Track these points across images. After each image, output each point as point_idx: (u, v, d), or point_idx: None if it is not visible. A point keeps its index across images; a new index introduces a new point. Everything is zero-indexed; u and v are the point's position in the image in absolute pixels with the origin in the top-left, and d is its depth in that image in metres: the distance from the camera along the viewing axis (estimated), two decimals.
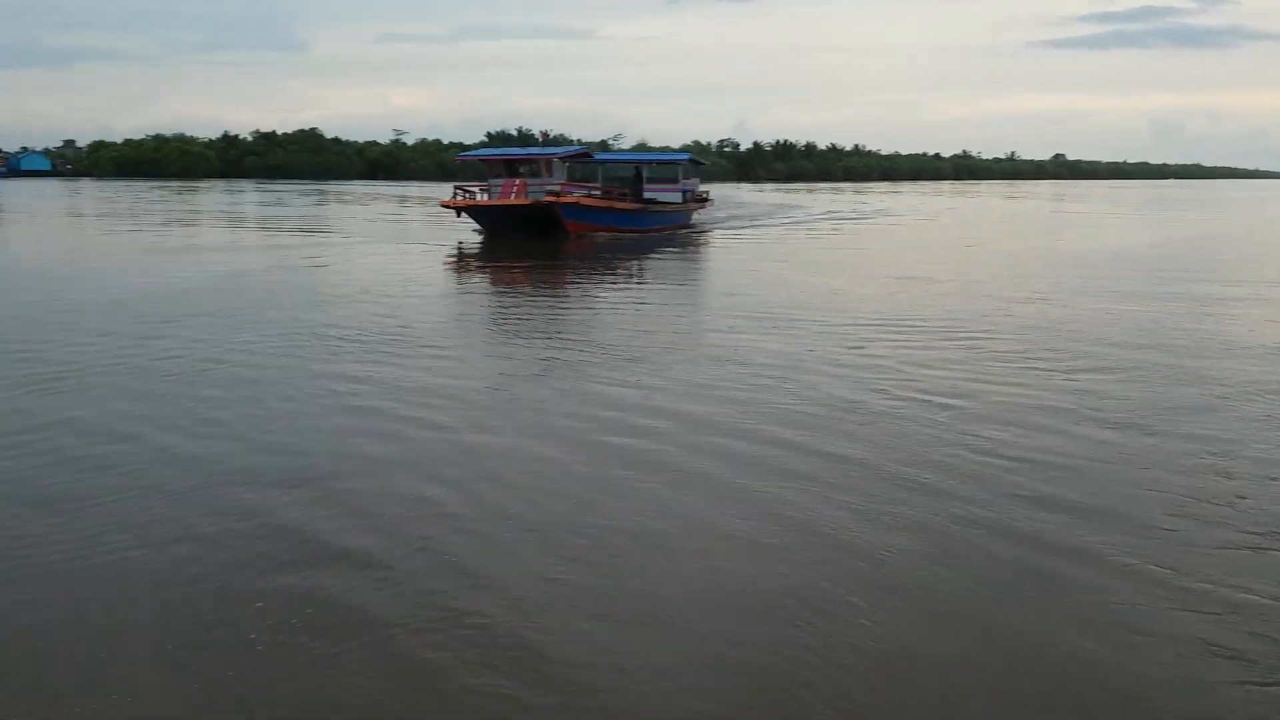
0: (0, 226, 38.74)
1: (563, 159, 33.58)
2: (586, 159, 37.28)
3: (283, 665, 4.55)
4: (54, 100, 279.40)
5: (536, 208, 30.04)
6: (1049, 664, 4.63)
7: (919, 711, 4.28)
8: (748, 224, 42.48)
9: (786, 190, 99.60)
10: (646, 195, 35.67)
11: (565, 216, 30.15)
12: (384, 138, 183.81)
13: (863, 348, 12.42)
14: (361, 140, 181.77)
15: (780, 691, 4.34)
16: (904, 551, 5.86)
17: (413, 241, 31.45)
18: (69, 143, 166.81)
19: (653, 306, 17.23)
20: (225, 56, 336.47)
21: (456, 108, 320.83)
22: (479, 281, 22.13)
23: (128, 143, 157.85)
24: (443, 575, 5.54)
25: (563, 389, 10.21)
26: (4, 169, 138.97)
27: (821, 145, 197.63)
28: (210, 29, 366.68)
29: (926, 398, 9.53)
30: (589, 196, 31.70)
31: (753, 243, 33.52)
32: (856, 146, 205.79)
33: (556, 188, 30.75)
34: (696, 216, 41.27)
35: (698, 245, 31.61)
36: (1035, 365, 11.17)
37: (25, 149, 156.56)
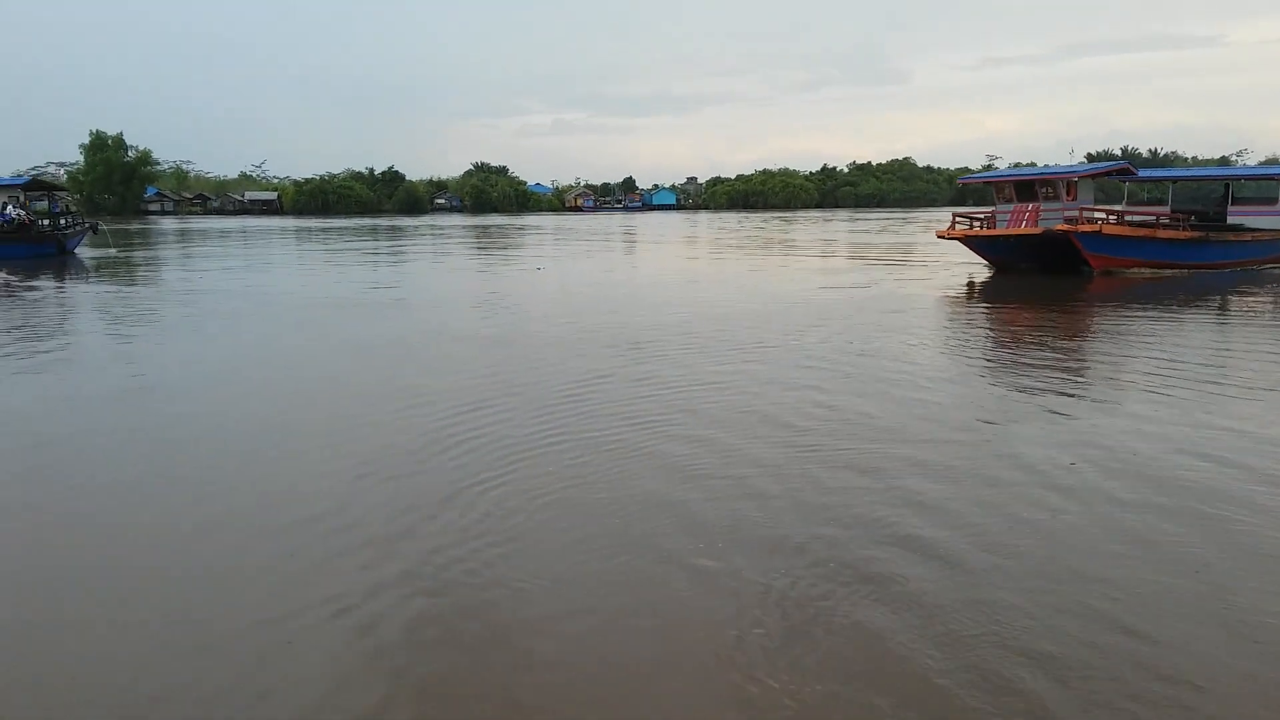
0: (653, 247, 44.60)
1: (1093, 177, 28.17)
2: (1128, 175, 30.03)
3: None
4: (680, 141, 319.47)
5: (1048, 238, 25.27)
6: None
7: None
8: None
9: None
10: (1231, 220, 28.77)
11: (1086, 249, 24.85)
12: (976, 164, 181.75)
13: None
14: (953, 167, 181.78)
15: None
16: None
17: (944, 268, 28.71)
18: (691, 179, 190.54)
19: None
20: (827, 93, 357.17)
21: (1053, 129, 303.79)
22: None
23: (739, 177, 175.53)
24: None
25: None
26: (639, 203, 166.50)
27: None
28: (816, 68, 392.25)
29: None
30: (1120, 224, 25.96)
31: None
32: None
33: (1075, 213, 25.64)
34: None
35: None
36: None
37: (657, 186, 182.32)
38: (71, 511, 6.71)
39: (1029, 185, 27.56)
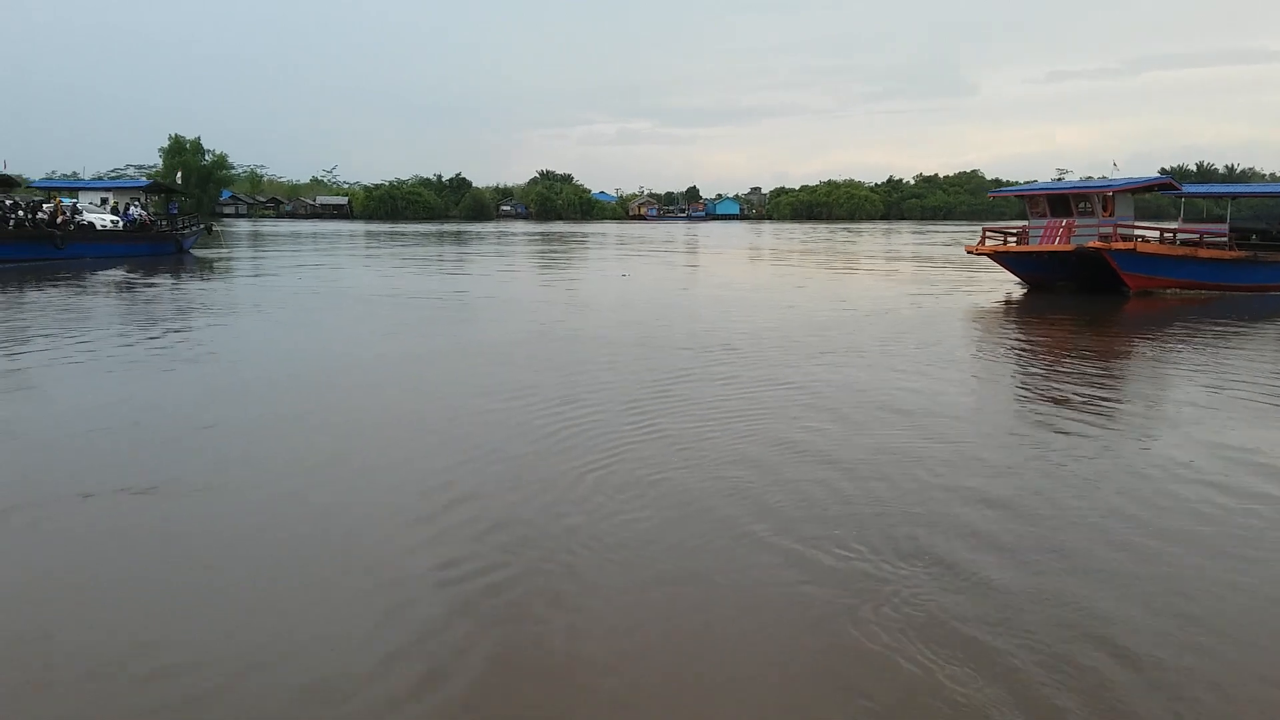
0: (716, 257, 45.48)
1: (1133, 192, 26.43)
2: (1171, 190, 27.67)
3: None
4: (744, 151, 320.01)
5: (1081, 255, 24.21)
6: None
7: None
8: None
9: None
10: None
11: (1121, 267, 23.73)
12: (1045, 176, 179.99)
13: None
14: (1022, 180, 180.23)
15: None
16: None
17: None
18: (755, 190, 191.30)
19: None
20: (894, 105, 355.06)
21: (1124, 143, 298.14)
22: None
23: (803, 188, 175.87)
24: None
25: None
26: (703, 213, 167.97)
27: None
28: (882, 80, 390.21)
29: None
30: (1158, 242, 24.86)
31: None
32: None
33: (1109, 230, 24.43)
34: None
35: None
36: None
37: (720, 196, 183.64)
38: (229, 488, 7.79)
39: (1063, 200, 26.17)
